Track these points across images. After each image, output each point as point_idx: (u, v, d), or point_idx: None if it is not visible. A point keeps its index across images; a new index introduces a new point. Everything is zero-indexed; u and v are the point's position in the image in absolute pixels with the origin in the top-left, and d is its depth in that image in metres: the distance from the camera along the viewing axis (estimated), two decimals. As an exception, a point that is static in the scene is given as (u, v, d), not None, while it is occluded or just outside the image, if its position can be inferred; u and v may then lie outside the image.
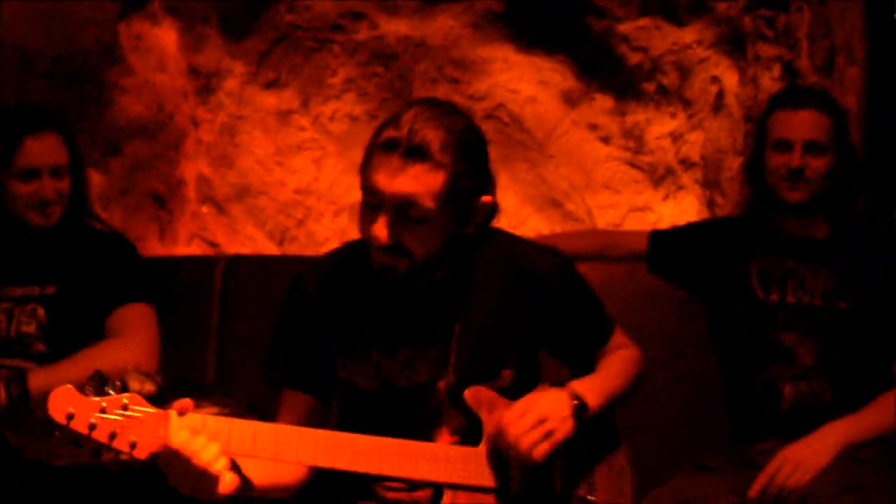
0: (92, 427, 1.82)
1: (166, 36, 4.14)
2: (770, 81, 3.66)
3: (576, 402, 2.24)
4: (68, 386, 1.83)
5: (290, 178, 4.14)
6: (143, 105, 4.11)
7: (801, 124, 2.98)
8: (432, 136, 2.14)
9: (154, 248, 4.14)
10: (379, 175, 2.14)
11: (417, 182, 2.13)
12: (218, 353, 3.47)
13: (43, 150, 3.02)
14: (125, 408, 1.86)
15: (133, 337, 2.95)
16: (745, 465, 2.81)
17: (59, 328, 3.00)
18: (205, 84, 4.14)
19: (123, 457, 1.86)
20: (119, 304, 3.01)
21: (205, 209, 4.17)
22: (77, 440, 1.82)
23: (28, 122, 3.06)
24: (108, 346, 2.93)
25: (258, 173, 4.15)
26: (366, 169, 2.18)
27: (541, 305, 2.37)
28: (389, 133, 2.15)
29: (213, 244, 4.15)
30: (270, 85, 4.12)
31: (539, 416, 2.18)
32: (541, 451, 2.18)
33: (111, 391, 1.86)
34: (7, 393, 2.78)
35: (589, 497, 2.35)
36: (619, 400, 2.41)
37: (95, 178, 4.01)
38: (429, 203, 2.14)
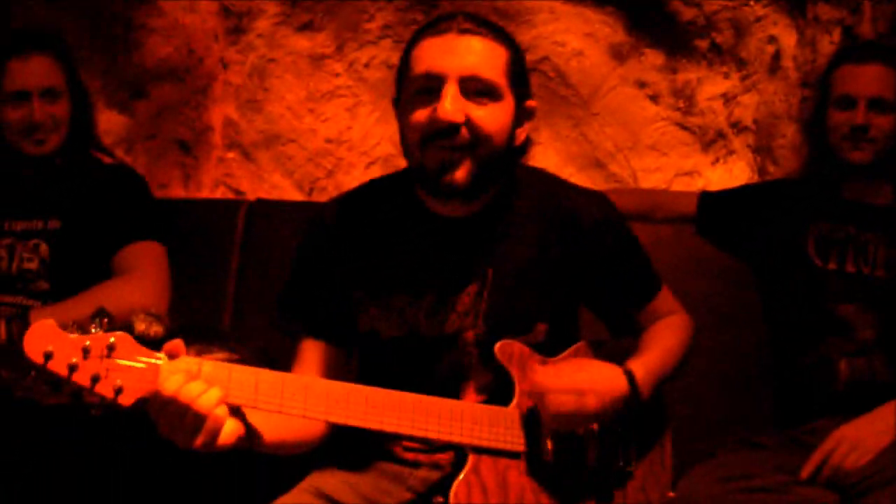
0: (72, 368, 1.65)
1: (197, -28, 3.98)
2: (829, 45, 3.50)
3: (628, 392, 2.09)
4: (48, 321, 1.67)
5: (321, 125, 3.98)
6: (171, 47, 3.98)
7: (867, 79, 2.85)
8: (480, 20, 2.07)
9: (178, 194, 4.01)
10: (435, 54, 2.02)
11: (480, 53, 2.03)
12: (235, 300, 3.34)
13: (31, 71, 2.92)
14: (111, 348, 1.69)
15: (142, 277, 2.83)
16: (795, 443, 2.66)
17: (62, 265, 2.89)
18: (236, 24, 3.99)
19: (108, 402, 1.68)
20: (127, 241, 2.88)
21: (230, 155, 4.01)
22: (55, 382, 1.66)
23: (15, 44, 2.95)
24: (114, 285, 2.81)
25: (288, 120, 3.99)
26: (412, 59, 2.05)
27: (583, 253, 2.20)
28: (435, 22, 2.06)
29: (238, 192, 4.01)
30: (304, 27, 3.96)
31: (581, 390, 2.03)
32: (578, 428, 2.07)
33: (97, 329, 1.68)
34: (7, 331, 2.65)
35: (626, 468, 2.19)
36: (672, 377, 2.26)
37: (119, 121, 3.94)
38: (495, 76, 2.03)
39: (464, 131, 2.00)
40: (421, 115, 2.02)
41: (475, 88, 2.01)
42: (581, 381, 2.04)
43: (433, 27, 2.06)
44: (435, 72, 2.01)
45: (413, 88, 2.05)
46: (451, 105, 1.98)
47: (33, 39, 2.98)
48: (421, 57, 2.04)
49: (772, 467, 2.54)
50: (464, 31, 2.02)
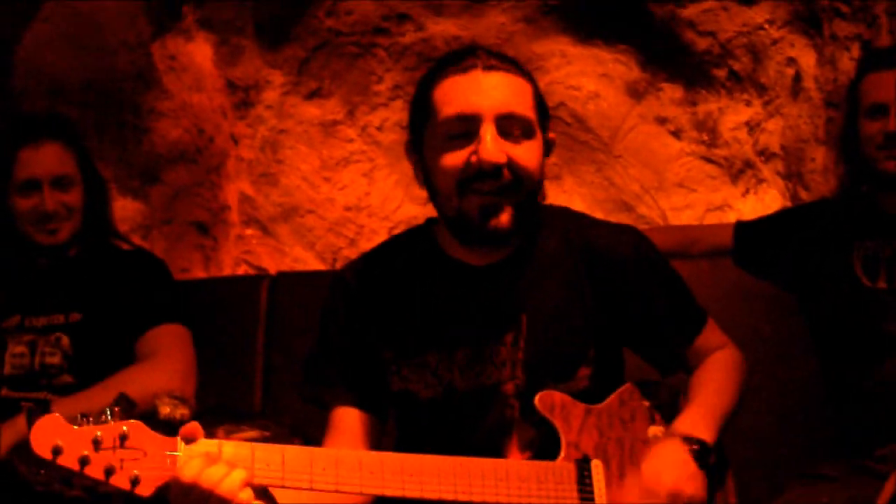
0: (83, 462, 1.59)
1: (201, 52, 3.99)
2: (849, 62, 3.46)
3: (696, 448, 1.97)
4: (55, 415, 1.61)
5: (338, 194, 3.96)
6: (181, 129, 3.96)
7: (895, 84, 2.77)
8: (499, 54, 2.02)
9: (199, 276, 3.98)
10: (466, 93, 1.95)
11: (512, 90, 1.97)
12: (264, 376, 3.29)
13: (41, 160, 2.88)
14: (124, 437, 1.62)
15: (165, 360, 2.77)
16: (865, 472, 2.55)
17: (85, 357, 2.83)
18: (243, 98, 3.99)
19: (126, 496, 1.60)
20: (149, 326, 2.83)
21: (249, 232, 3.96)
22: (68, 478, 1.57)
23: (24, 133, 2.92)
24: (138, 371, 2.75)
25: (304, 190, 3.97)
26: (437, 101, 1.98)
27: (618, 290, 2.10)
28: (455, 59, 2.00)
29: (259, 269, 3.98)
30: (312, 95, 3.95)
31: (674, 492, 1.91)
32: None
33: (109, 419, 1.60)
34: (29, 424, 2.56)
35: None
36: (731, 418, 2.13)
37: (135, 208, 3.90)
38: (528, 112, 1.98)
39: (506, 172, 1.94)
40: (457, 158, 1.95)
41: (511, 127, 1.95)
42: (669, 487, 1.92)
43: (454, 64, 1.99)
44: (469, 113, 1.94)
45: (443, 132, 1.97)
46: (494, 146, 1.92)
47: (44, 127, 2.95)
48: (449, 98, 1.97)
49: (844, 500, 2.43)
50: (490, 68, 1.96)
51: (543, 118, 2.03)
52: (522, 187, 1.96)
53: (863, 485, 2.46)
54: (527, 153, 1.96)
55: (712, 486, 2.03)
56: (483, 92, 1.94)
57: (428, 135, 2.01)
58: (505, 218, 1.95)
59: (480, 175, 1.93)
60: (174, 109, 3.93)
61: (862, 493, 2.42)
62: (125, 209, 3.83)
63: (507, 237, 1.99)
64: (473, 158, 1.93)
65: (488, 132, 1.92)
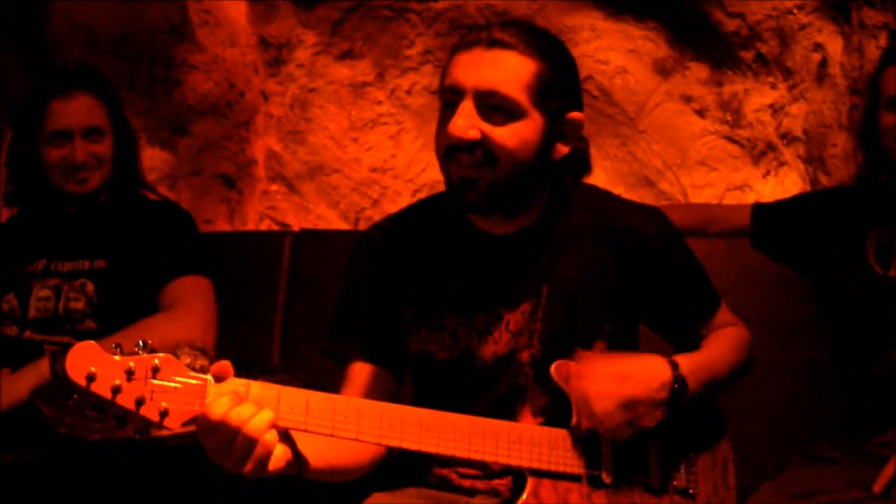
0: (115, 390, 1.60)
1: (236, 7, 4.01)
2: (876, 50, 3.44)
3: (676, 384, 1.99)
4: (91, 342, 1.62)
5: (365, 154, 3.98)
6: (212, 82, 3.99)
7: None
8: (518, 30, 2.00)
9: (224, 228, 4.02)
10: (459, 68, 1.98)
11: (500, 68, 1.96)
12: (283, 332, 3.30)
13: (72, 111, 2.90)
14: (156, 370, 1.64)
15: (187, 311, 2.79)
16: (867, 456, 2.57)
17: (109, 304, 2.86)
18: (275, 56, 4.00)
19: (154, 429, 1.63)
20: (173, 277, 2.85)
21: (275, 187, 3.99)
22: (100, 405, 1.60)
23: (56, 84, 2.94)
24: (160, 320, 2.76)
25: (331, 150, 4.00)
26: (445, 71, 2.02)
27: (639, 269, 2.14)
28: (469, 33, 2.02)
29: (283, 224, 4.00)
30: (344, 56, 3.96)
31: (621, 375, 1.95)
32: (624, 434, 1.97)
33: (142, 352, 1.63)
34: (52, 367, 2.61)
35: (690, 490, 2.11)
36: (724, 384, 2.17)
37: (163, 158, 3.95)
38: (515, 92, 1.96)
39: (479, 150, 1.97)
40: (442, 128, 2.01)
41: (493, 104, 1.96)
42: (620, 365, 1.96)
43: (466, 38, 2.02)
44: (454, 86, 1.98)
45: (442, 101, 2.03)
46: (463, 121, 1.95)
47: (75, 78, 2.98)
48: (448, 70, 2.01)
49: (843, 482, 2.45)
50: (492, 45, 1.97)
51: (550, 98, 2.00)
52: (498, 166, 1.97)
53: (863, 468, 2.49)
54: (508, 133, 1.96)
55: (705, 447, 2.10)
56: (470, 68, 1.96)
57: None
58: (475, 193, 1.98)
59: (453, 148, 1.97)
60: (206, 63, 3.96)
61: (862, 476, 2.45)
62: (153, 159, 3.88)
63: (480, 209, 2.03)
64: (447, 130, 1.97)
65: (464, 108, 1.95)
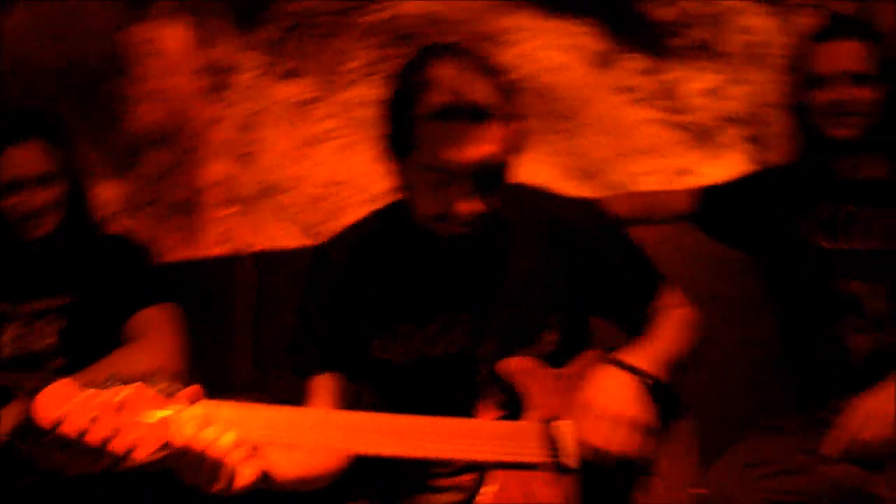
0: (83, 432, 1.63)
1: (175, 36, 4.04)
2: (807, 27, 3.45)
3: (648, 381, 2.09)
4: (59, 384, 1.65)
5: (316, 170, 4.01)
6: (158, 112, 4.01)
7: (842, 56, 2.83)
8: (485, 89, 1.99)
9: (183, 256, 4.01)
10: (450, 147, 1.97)
11: (492, 143, 1.99)
12: (253, 354, 3.35)
13: (24, 160, 2.91)
14: (122, 405, 1.67)
15: (154, 340, 2.81)
16: (818, 424, 2.63)
17: (77, 340, 2.88)
18: (218, 81, 4.02)
19: (126, 461, 1.68)
20: (137, 307, 2.87)
21: (229, 211, 4.03)
22: (70, 445, 1.64)
23: (7, 133, 2.94)
24: (130, 351, 2.79)
25: (283, 168, 4.03)
26: (422, 143, 2.00)
27: (581, 261, 2.21)
28: (438, 99, 1.98)
29: (240, 246, 4.00)
30: (288, 75, 4.00)
31: (618, 414, 2.02)
32: (634, 447, 2.03)
33: (111, 385, 1.68)
34: (27, 406, 2.64)
35: (652, 467, 2.18)
36: (679, 364, 2.24)
37: (118, 190, 3.97)
38: (503, 157, 2.02)
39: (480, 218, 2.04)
40: (432, 200, 2.04)
41: (488, 175, 2.01)
42: (614, 409, 2.03)
43: (443, 112, 1.98)
44: (449, 165, 1.98)
45: (423, 170, 2.03)
46: (475, 204, 2.01)
47: (25, 126, 2.98)
48: (432, 144, 1.99)
49: (796, 450, 2.53)
50: (474, 121, 1.97)
51: (513, 142, 2.07)
52: (486, 215, 2.07)
53: (816, 436, 2.56)
54: (498, 194, 2.07)
55: (666, 428, 2.16)
56: (465, 148, 1.99)
57: (409, 149, 2.08)
58: (466, 227, 2.08)
59: (451, 216, 2.07)
60: (150, 93, 3.99)
61: (813, 443, 2.54)
62: (108, 193, 3.89)
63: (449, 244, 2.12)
64: (449, 208, 2.05)
65: (464, 188, 2.02)
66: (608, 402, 2.04)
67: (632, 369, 2.09)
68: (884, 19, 3.44)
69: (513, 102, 2.04)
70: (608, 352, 2.23)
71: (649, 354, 2.15)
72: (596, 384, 2.07)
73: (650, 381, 2.09)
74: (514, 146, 2.05)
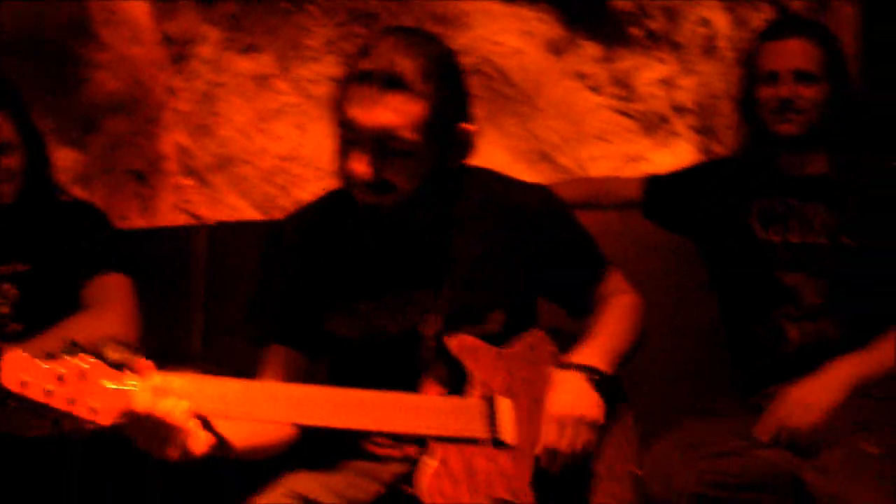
0: (48, 394, 1.72)
1: (138, 6, 4.05)
2: (762, 23, 3.55)
3: (595, 377, 2.17)
4: (22, 352, 1.73)
5: (272, 144, 4.04)
6: (118, 80, 4.02)
7: (789, 54, 2.89)
8: (410, 65, 2.05)
9: (138, 224, 4.05)
10: (356, 108, 2.05)
11: (397, 113, 2.04)
12: (205, 325, 3.38)
13: None
14: (84, 374, 1.76)
15: (109, 307, 2.85)
16: (752, 409, 2.72)
17: (33, 306, 2.89)
18: (180, 52, 4.04)
19: (87, 425, 1.75)
20: (92, 274, 2.90)
21: (186, 181, 4.06)
22: (35, 408, 1.72)
23: None
24: (83, 318, 2.82)
25: (239, 141, 4.05)
26: (341, 103, 2.08)
27: (529, 243, 2.28)
28: (364, 65, 2.06)
29: (196, 217, 4.05)
30: (247, 49, 4.02)
31: (576, 419, 2.12)
32: (584, 444, 2.14)
33: (69, 357, 1.76)
34: None
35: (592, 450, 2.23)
36: (629, 355, 2.32)
37: (75, 157, 3.98)
38: (410, 135, 2.06)
39: (378, 184, 2.09)
40: (344, 159, 2.11)
41: (388, 146, 2.06)
42: (572, 416, 2.12)
43: (362, 75, 2.06)
44: (353, 125, 2.05)
45: (339, 128, 2.11)
46: (363, 167, 2.06)
47: None
48: (345, 103, 2.07)
49: (730, 433, 2.60)
50: (388, 86, 2.03)
51: (440, 128, 2.12)
52: (397, 192, 2.13)
53: (749, 420, 2.64)
54: (400, 170, 2.10)
55: (610, 415, 2.22)
56: (367, 111, 2.06)
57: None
58: (388, 209, 2.15)
59: (354, 181, 2.14)
60: (111, 61, 4.00)
61: (747, 427, 2.62)
62: (65, 159, 3.89)
63: (394, 221, 2.18)
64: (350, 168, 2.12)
65: (361, 151, 2.08)
66: (559, 404, 2.12)
67: (581, 368, 2.17)
68: (841, 18, 3.53)
69: (441, 88, 2.09)
70: (552, 332, 2.33)
71: (597, 351, 2.23)
72: (551, 389, 2.16)
73: (598, 377, 2.17)
74: (430, 131, 2.08)
